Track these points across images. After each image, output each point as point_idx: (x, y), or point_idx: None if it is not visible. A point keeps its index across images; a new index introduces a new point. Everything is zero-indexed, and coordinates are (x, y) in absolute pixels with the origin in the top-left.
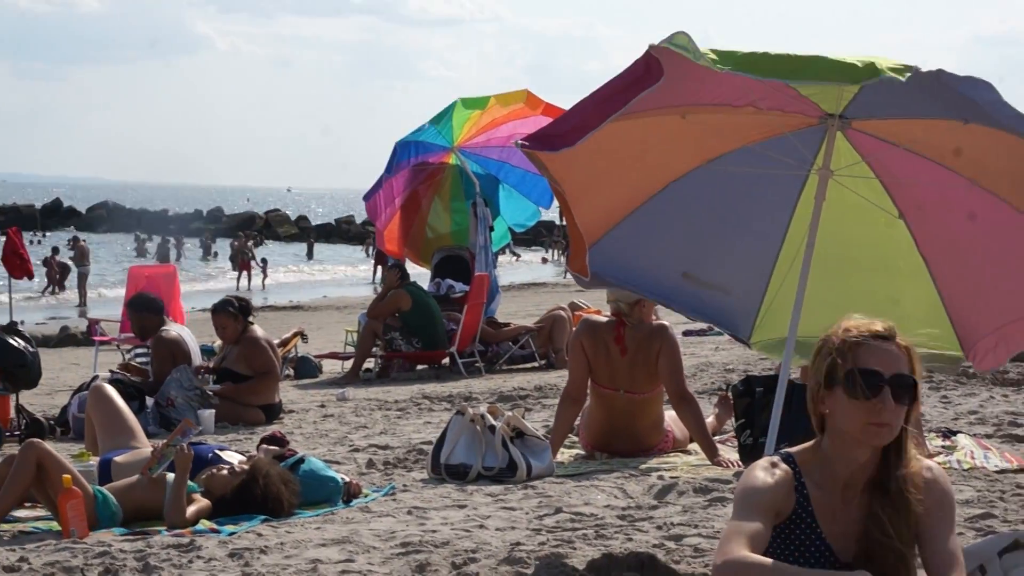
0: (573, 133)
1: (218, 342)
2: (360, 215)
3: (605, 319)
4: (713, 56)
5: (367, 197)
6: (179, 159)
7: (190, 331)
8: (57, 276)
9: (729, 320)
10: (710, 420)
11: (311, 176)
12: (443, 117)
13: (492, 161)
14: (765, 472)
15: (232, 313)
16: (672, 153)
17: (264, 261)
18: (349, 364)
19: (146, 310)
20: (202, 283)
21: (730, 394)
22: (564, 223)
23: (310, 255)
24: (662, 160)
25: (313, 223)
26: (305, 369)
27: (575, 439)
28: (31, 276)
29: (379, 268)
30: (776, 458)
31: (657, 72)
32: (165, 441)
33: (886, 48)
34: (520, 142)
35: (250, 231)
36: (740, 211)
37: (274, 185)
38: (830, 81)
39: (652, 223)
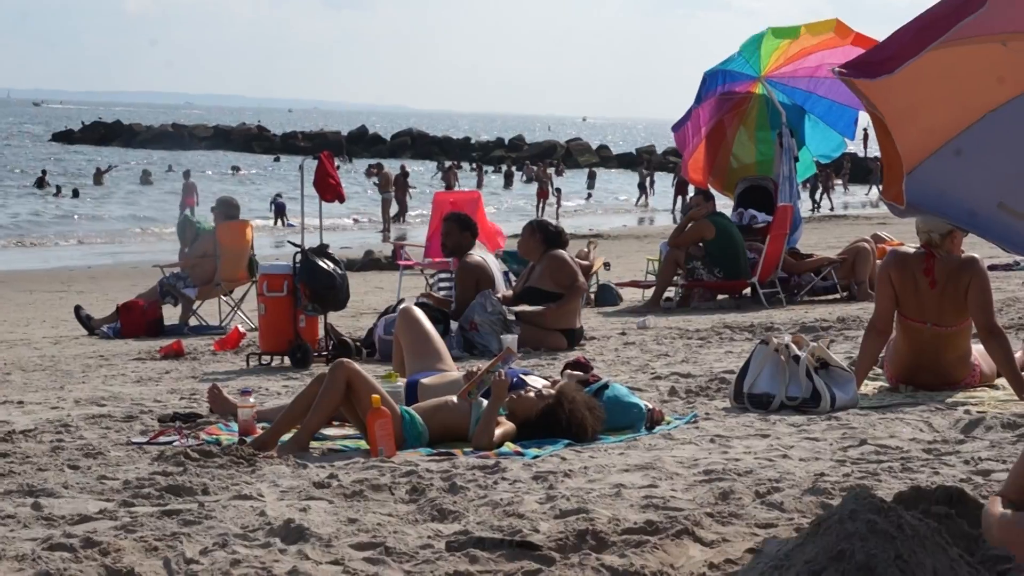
0: (891, 61)
1: None
2: (661, 145)
3: (913, 251)
4: None
5: (676, 128)
6: (481, 88)
7: (493, 256)
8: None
9: None
10: (1018, 355)
11: (605, 106)
12: (752, 46)
13: (799, 91)
14: None
15: (531, 228)
16: (992, 81)
17: (558, 190)
18: (650, 292)
19: (468, 230)
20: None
21: None
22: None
23: (591, 184)
24: (981, 88)
25: (614, 152)
26: (606, 297)
27: (879, 371)
28: (342, 199)
29: (679, 198)
30: None
31: None
32: (486, 366)
33: None
34: (837, 69)
35: (550, 159)
36: None
37: (571, 114)
38: None
39: (970, 152)
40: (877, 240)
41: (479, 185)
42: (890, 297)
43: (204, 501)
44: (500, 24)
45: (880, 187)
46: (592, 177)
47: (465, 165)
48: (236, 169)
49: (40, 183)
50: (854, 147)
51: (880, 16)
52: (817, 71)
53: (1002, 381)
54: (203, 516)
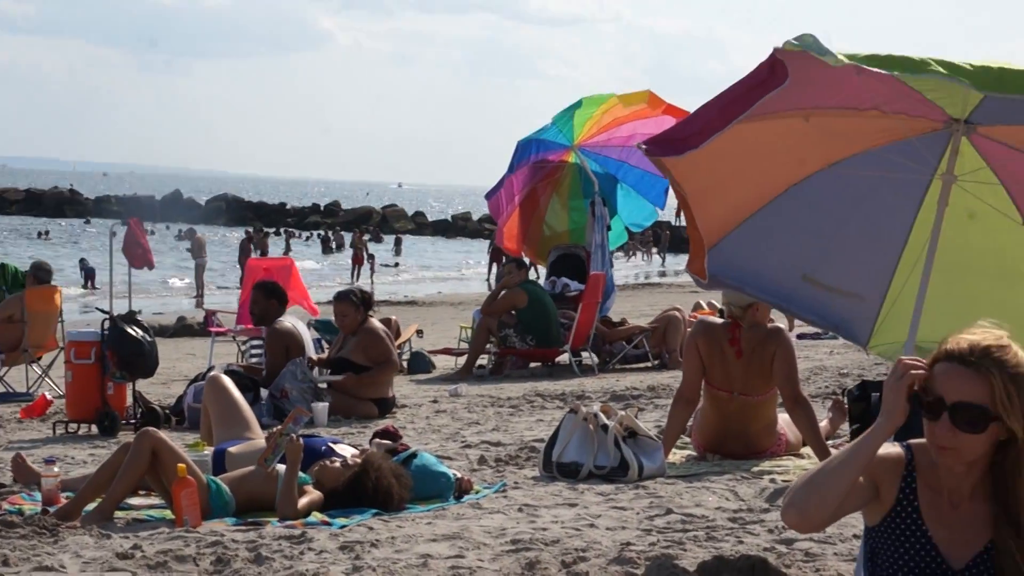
0: (697, 136)
1: None
2: (477, 211)
3: (721, 321)
4: (841, 56)
5: (489, 196)
6: (298, 154)
7: (304, 324)
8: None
9: (847, 324)
10: (823, 424)
11: (423, 172)
12: (565, 116)
13: (611, 160)
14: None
15: (354, 302)
16: (794, 156)
17: (372, 257)
18: (463, 360)
19: (273, 297)
20: (319, 279)
21: (845, 398)
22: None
23: (398, 251)
24: (784, 163)
25: (429, 219)
26: (419, 364)
27: (687, 440)
28: (151, 266)
29: (494, 265)
30: (897, 444)
31: (782, 74)
32: (278, 429)
33: (1015, 55)
34: (643, 146)
35: (366, 226)
36: (862, 215)
37: (386, 180)
38: (957, 79)
39: (772, 226)
40: (697, 307)
41: (286, 251)
42: (697, 367)
43: (4, 573)
44: (315, 89)
45: (662, 255)
46: (399, 243)
47: (283, 232)
48: (45, 234)
49: None
50: (667, 216)
51: (694, 87)
52: (629, 140)
53: (807, 450)
54: None
